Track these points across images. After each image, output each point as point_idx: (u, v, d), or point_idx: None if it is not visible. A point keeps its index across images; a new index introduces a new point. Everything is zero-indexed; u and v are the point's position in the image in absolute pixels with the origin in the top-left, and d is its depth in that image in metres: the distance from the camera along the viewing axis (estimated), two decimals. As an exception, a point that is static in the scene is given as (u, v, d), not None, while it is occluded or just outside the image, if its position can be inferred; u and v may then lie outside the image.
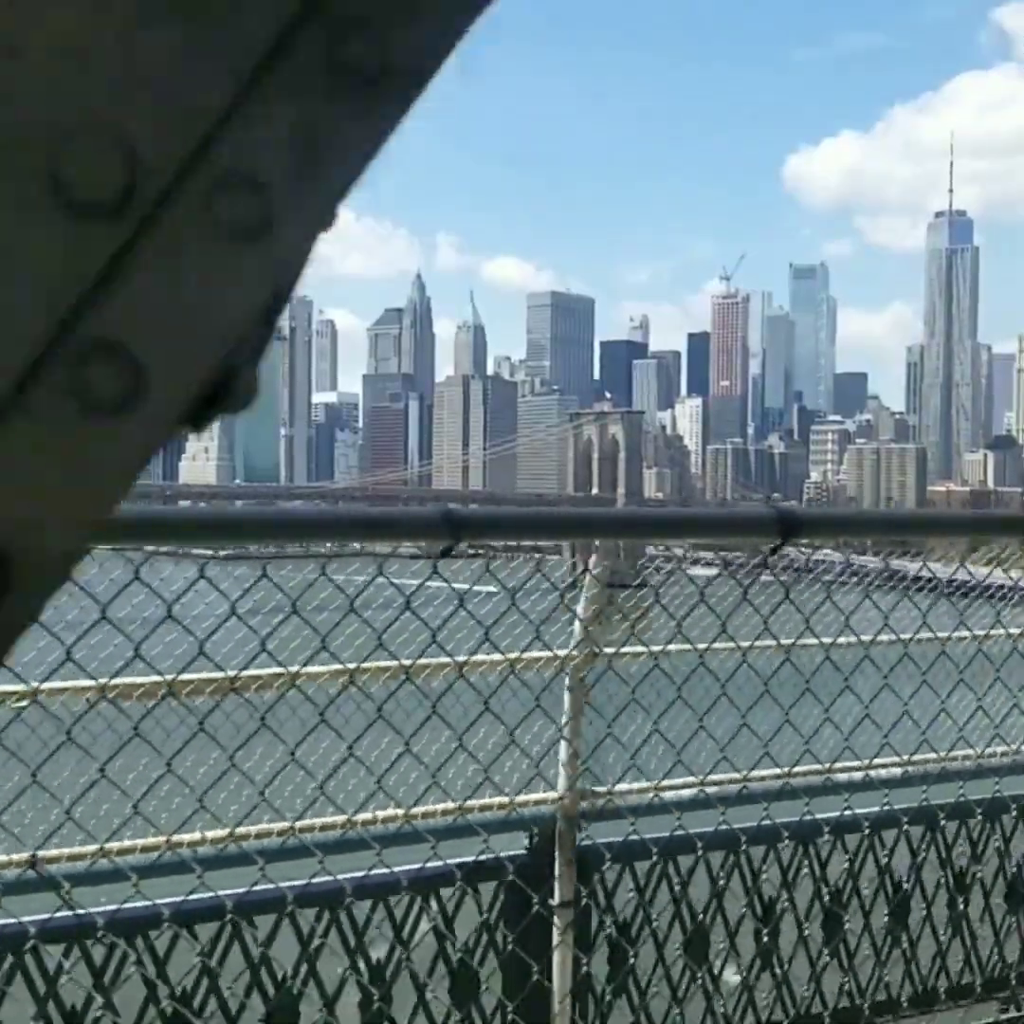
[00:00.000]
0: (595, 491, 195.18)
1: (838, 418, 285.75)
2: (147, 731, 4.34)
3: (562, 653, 6.06)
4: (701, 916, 6.57)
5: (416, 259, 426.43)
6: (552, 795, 6.29)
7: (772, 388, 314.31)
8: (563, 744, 6.16)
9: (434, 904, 5.96)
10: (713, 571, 7.44)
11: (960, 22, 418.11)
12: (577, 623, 6.04)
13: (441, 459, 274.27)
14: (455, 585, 4.86)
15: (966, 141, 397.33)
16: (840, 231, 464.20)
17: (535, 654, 5.75)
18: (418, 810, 5.89)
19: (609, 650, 6.10)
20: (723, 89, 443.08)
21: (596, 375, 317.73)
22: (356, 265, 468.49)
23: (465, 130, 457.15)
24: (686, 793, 6.53)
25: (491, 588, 5.79)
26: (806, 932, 6.73)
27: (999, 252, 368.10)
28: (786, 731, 5.93)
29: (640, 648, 5.96)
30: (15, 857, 5.10)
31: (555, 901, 6.11)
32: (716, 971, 6.59)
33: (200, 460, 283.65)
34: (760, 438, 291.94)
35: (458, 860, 5.90)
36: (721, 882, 6.60)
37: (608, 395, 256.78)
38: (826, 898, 6.80)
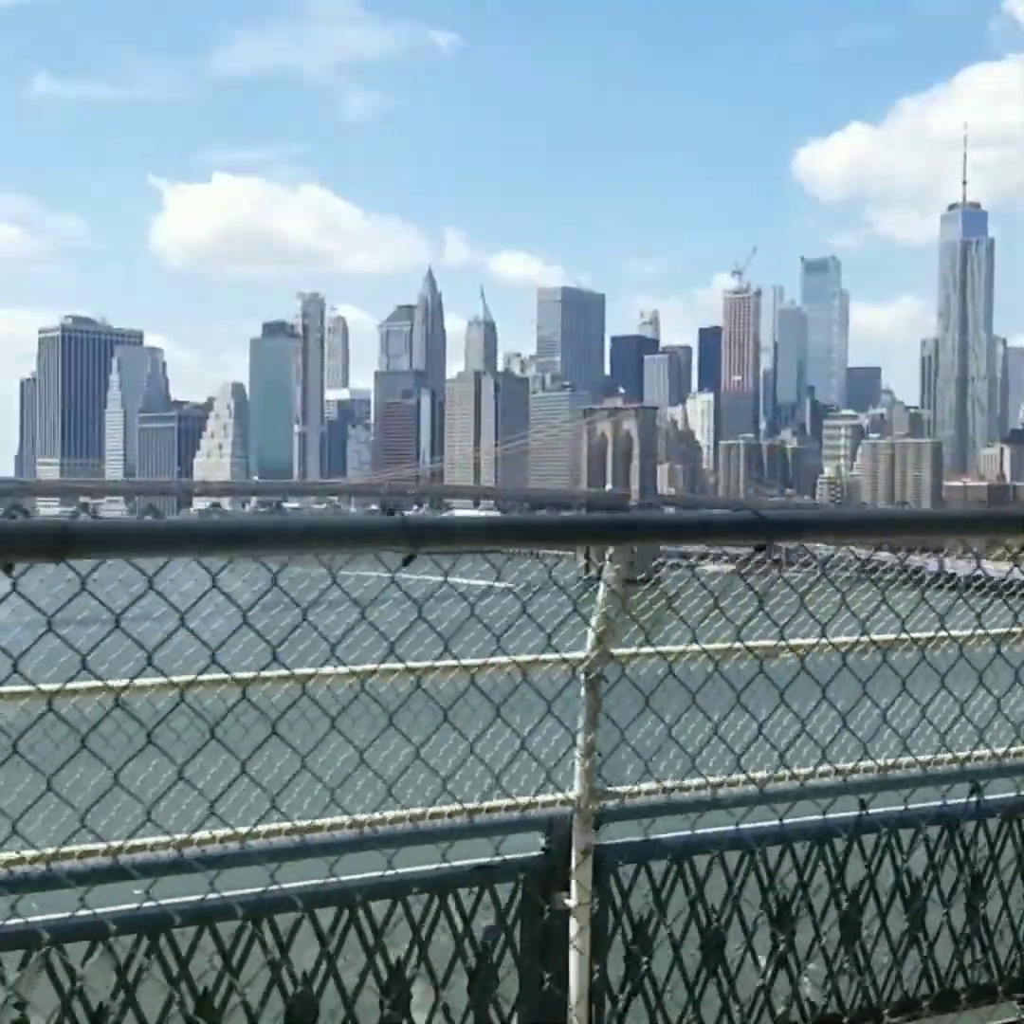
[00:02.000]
0: (609, 487, 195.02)
1: (851, 412, 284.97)
2: (157, 732, 4.31)
3: (573, 656, 6.01)
4: (717, 917, 6.51)
5: (424, 254, 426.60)
6: (566, 796, 6.22)
7: (784, 382, 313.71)
8: (579, 745, 6.11)
9: (452, 903, 5.93)
10: (728, 567, 7.24)
11: (970, 12, 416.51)
12: (594, 623, 6.01)
13: (453, 455, 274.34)
14: (470, 582, 4.81)
15: (977, 132, 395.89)
16: (851, 223, 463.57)
17: (548, 657, 5.72)
18: (433, 810, 5.88)
19: (622, 652, 6.04)
20: (731, 81, 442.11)
21: (607, 371, 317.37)
22: (365, 262, 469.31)
23: (469, 123, 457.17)
24: (702, 794, 6.47)
25: (499, 585, 5.67)
26: (824, 934, 6.65)
27: (1013, 242, 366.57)
28: (805, 732, 5.79)
29: (650, 649, 5.92)
30: (28, 854, 5.09)
31: (571, 902, 6.04)
32: (732, 973, 6.54)
33: (214, 457, 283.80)
34: (772, 433, 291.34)
35: (474, 861, 5.89)
36: (737, 884, 6.55)
37: (621, 390, 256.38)
38: (843, 900, 6.73)
